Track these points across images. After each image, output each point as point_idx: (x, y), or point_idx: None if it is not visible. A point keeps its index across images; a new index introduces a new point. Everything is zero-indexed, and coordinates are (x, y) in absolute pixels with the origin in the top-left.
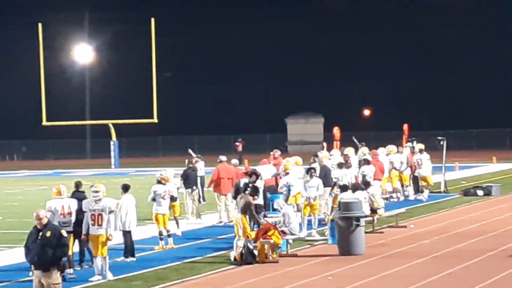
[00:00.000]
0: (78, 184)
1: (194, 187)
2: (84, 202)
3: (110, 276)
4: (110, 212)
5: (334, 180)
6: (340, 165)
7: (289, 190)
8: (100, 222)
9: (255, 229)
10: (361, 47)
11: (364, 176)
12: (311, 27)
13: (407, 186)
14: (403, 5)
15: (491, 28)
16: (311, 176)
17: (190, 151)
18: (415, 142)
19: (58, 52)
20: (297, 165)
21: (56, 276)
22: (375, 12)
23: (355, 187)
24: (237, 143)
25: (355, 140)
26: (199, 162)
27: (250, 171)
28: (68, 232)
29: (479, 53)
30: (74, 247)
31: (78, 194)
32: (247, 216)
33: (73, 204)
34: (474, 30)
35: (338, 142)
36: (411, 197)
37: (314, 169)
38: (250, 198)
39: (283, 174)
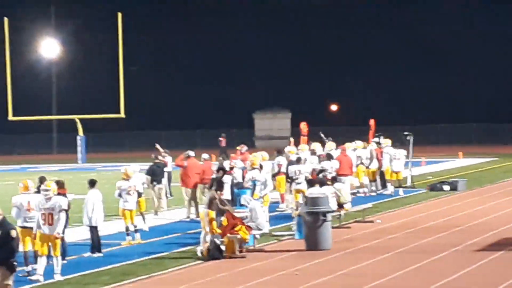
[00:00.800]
0: (42, 180)
1: (155, 183)
2: (34, 200)
3: (59, 277)
4: (61, 211)
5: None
6: (297, 160)
7: (254, 185)
8: (50, 221)
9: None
10: (329, 41)
11: (322, 171)
12: (279, 22)
13: (374, 181)
14: None
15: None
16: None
17: (157, 146)
18: (381, 137)
19: (24, 46)
20: (263, 160)
21: (5, 275)
22: (329, 5)
23: (321, 182)
24: (220, 138)
25: (322, 135)
26: (166, 157)
27: (218, 166)
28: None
29: (452, 47)
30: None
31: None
32: (214, 211)
33: (36, 199)
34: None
35: (305, 137)
36: (376, 192)
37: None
38: (215, 193)
39: (249, 169)
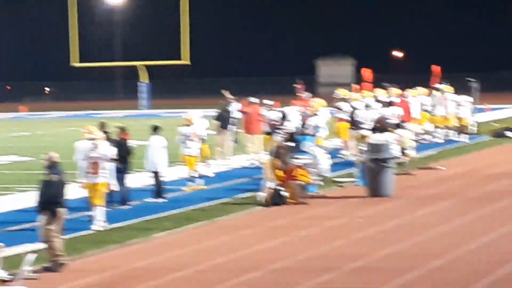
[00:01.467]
0: (103, 125)
1: (223, 129)
2: (80, 149)
3: (98, 227)
4: (109, 160)
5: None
6: (366, 107)
7: (318, 132)
8: (95, 170)
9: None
10: None
11: (391, 117)
12: None
13: (437, 128)
14: None
15: None
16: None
17: (224, 92)
18: (447, 84)
19: None
20: (323, 106)
21: (48, 220)
22: None
23: (385, 129)
24: (297, 86)
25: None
26: (233, 103)
27: (280, 113)
28: None
29: None
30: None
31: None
32: (278, 159)
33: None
34: None
35: (369, 84)
36: (443, 139)
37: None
38: (283, 143)
39: (311, 116)
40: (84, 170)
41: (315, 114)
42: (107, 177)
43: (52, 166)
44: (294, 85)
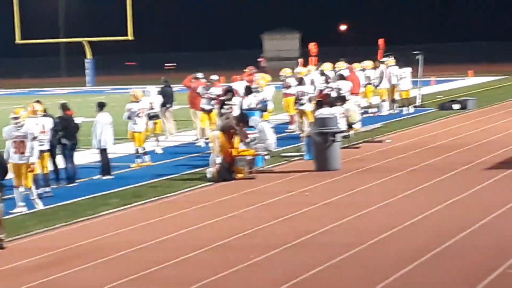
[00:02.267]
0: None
1: (169, 105)
2: (4, 129)
3: (40, 205)
4: (33, 138)
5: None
6: (300, 81)
7: (265, 107)
8: (22, 150)
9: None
10: None
11: (339, 90)
12: None
13: (383, 101)
14: None
15: None
16: None
17: (168, 65)
18: (391, 57)
19: None
20: (266, 82)
21: None
22: None
23: (330, 102)
24: (259, 59)
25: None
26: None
27: (226, 88)
28: (44, 151)
29: None
30: (50, 166)
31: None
32: (224, 133)
33: (48, 122)
34: None
35: (315, 58)
36: (387, 112)
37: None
38: (234, 122)
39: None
40: (10, 150)
41: (260, 89)
42: (34, 157)
43: None
44: (258, 59)
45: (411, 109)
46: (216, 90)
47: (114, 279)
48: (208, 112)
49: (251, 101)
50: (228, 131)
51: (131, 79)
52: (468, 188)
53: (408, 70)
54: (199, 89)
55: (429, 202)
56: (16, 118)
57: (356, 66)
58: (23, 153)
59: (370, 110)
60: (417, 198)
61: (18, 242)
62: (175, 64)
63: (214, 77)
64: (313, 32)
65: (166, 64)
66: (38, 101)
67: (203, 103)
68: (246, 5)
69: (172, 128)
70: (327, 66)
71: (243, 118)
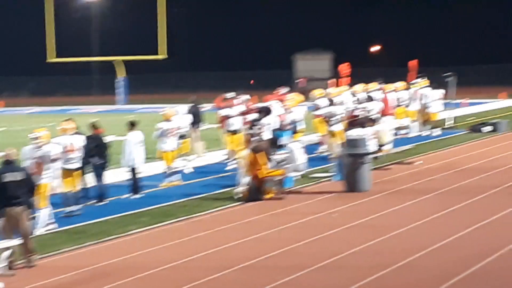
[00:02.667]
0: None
1: (197, 125)
2: (24, 149)
3: (41, 230)
4: (53, 160)
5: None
6: (330, 101)
7: (295, 127)
8: (40, 171)
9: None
10: None
11: (369, 111)
12: None
13: (413, 122)
14: None
15: None
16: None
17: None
18: (424, 79)
19: None
20: (300, 102)
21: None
22: None
23: (361, 123)
24: (298, 80)
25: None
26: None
27: (260, 108)
28: (76, 169)
29: None
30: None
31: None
32: (253, 153)
33: (79, 141)
34: None
35: (347, 79)
36: (417, 133)
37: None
38: (265, 144)
39: (288, 111)
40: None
41: (291, 110)
42: (50, 178)
43: (9, 163)
44: (296, 80)
45: (438, 132)
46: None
47: None
48: (233, 133)
49: (273, 121)
50: (258, 152)
51: (163, 98)
52: (497, 211)
53: (439, 92)
54: (226, 111)
55: (459, 224)
56: (35, 138)
57: (388, 87)
58: (39, 174)
59: (400, 132)
60: (446, 220)
61: (48, 260)
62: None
63: (246, 96)
64: (345, 53)
65: (297, 80)
66: (70, 119)
67: (229, 124)
68: (278, 25)
69: (200, 148)
70: (358, 87)
71: (274, 140)
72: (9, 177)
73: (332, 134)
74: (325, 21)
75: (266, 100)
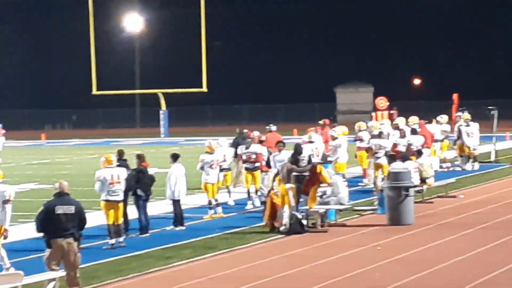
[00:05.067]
0: (120, 153)
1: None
2: (118, 173)
3: (11, 269)
4: (5, 202)
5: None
6: (379, 135)
7: (325, 158)
8: None
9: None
10: (412, 13)
11: (410, 145)
12: None
13: (461, 156)
14: None
15: None
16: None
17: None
18: (466, 112)
19: (108, 21)
20: (344, 134)
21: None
22: None
23: (404, 157)
24: (392, 111)
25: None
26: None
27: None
28: (119, 201)
29: None
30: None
31: (121, 163)
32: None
33: (122, 173)
34: None
35: (383, 112)
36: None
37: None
38: (290, 164)
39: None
40: None
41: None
42: (6, 222)
43: (61, 195)
44: (391, 111)
45: (476, 165)
46: (257, 148)
47: None
48: (252, 170)
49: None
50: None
51: (204, 131)
52: None
53: (475, 127)
54: (239, 149)
55: (502, 259)
56: None
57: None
58: None
59: (444, 165)
60: (489, 255)
61: None
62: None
63: (256, 133)
64: (387, 86)
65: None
66: (121, 151)
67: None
68: (320, 58)
69: (244, 180)
70: (401, 121)
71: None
72: (61, 209)
73: (376, 167)
74: (366, 54)
75: (308, 132)
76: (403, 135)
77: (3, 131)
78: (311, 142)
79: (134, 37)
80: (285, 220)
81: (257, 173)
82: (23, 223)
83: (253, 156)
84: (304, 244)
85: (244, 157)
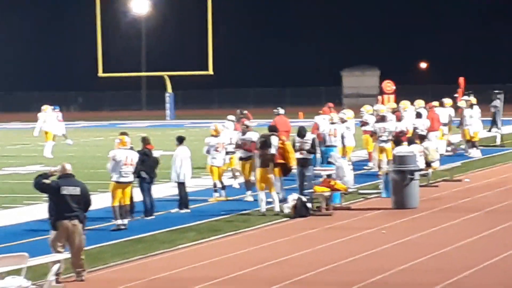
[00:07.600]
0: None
1: None
2: (131, 156)
3: None
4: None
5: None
6: (383, 118)
7: (342, 143)
8: None
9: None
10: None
11: (415, 129)
12: None
13: (467, 141)
14: None
15: None
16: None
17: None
18: (471, 96)
19: (115, 3)
20: (349, 118)
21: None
22: None
23: (410, 140)
24: (378, 98)
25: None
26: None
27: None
28: (128, 182)
29: None
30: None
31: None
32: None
33: (135, 156)
34: None
35: (392, 96)
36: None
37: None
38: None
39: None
40: None
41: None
42: None
43: (66, 177)
44: (377, 96)
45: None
46: (253, 135)
47: None
48: (246, 160)
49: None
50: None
51: (209, 114)
52: None
53: (477, 111)
54: (236, 137)
55: (507, 244)
56: None
57: (435, 104)
58: None
59: (449, 148)
60: (494, 238)
61: (96, 274)
62: None
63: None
64: (393, 70)
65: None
66: (125, 133)
67: (241, 152)
68: (326, 41)
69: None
70: (405, 104)
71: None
72: (66, 190)
73: (381, 150)
74: (372, 37)
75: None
76: (398, 120)
77: (60, 114)
78: (333, 123)
79: (141, 19)
80: (289, 203)
81: (253, 161)
82: (28, 205)
83: (248, 144)
84: (309, 227)
85: (239, 142)
